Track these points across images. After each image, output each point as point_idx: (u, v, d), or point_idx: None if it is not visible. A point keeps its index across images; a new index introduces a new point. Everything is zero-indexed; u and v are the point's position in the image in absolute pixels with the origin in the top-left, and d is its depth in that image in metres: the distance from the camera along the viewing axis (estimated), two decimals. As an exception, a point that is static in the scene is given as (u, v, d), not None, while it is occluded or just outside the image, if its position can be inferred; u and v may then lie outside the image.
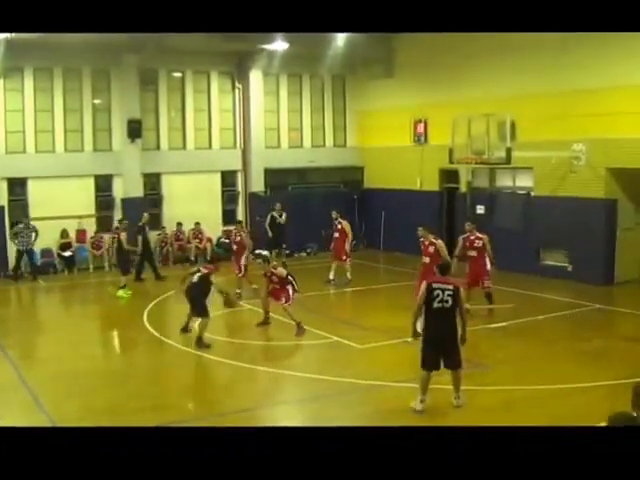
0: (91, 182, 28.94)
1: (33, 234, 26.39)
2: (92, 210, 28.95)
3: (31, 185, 27.90)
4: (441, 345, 12.48)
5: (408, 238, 23.04)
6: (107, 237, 27.97)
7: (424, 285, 12.53)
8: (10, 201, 27.71)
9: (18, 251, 26.20)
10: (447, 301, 12.26)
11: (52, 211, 27.22)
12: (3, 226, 27.04)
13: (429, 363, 12.48)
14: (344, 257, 24.52)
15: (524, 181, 26.15)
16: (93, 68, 28.78)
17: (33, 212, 27.27)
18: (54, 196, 27.59)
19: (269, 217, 28.28)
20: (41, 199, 27.62)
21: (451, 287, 12.33)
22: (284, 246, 28.61)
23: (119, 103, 29.02)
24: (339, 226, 24.70)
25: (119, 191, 29.30)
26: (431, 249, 18.85)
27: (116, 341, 19.53)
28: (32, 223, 26.54)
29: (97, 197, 29.12)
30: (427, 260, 18.70)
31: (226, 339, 18.16)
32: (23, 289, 25.87)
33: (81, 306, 23.98)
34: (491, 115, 23.67)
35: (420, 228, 19.50)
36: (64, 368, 15.50)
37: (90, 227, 28.66)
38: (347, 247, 24.66)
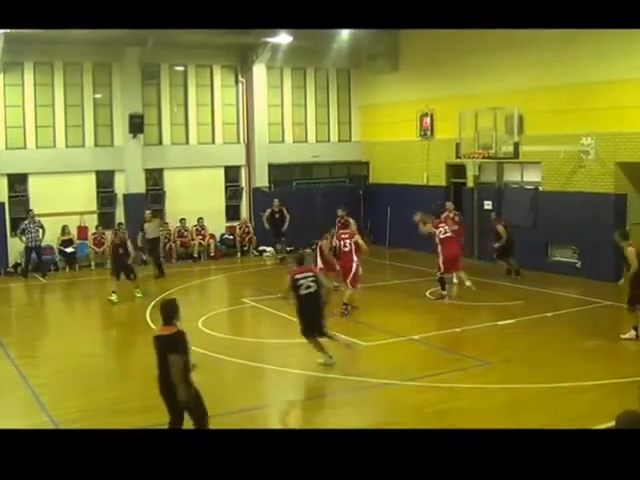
0: (92, 178, 28.64)
1: (40, 230, 26.15)
2: (93, 206, 28.65)
3: (32, 181, 27.62)
4: (313, 322, 14.62)
5: (414, 234, 22.69)
6: (108, 234, 27.57)
7: (289, 277, 14.74)
8: (10, 197, 27.43)
9: (27, 248, 25.91)
10: (310, 286, 14.46)
11: (53, 207, 26.94)
12: (4, 223, 26.68)
13: (307, 332, 14.71)
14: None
15: (532, 176, 25.73)
16: (94, 62, 28.48)
17: (34, 208, 26.83)
18: (55, 192, 27.35)
19: (268, 212, 28.29)
20: (42, 195, 27.36)
21: (311, 274, 14.75)
22: (283, 239, 28.46)
23: (121, 98, 28.70)
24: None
25: (121, 187, 28.99)
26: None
27: (118, 339, 19.24)
28: (37, 219, 26.21)
29: (99, 193, 28.81)
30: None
31: (229, 336, 17.86)
32: (24, 287, 25.55)
33: (83, 303, 23.77)
34: (498, 109, 23.35)
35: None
36: (65, 366, 15.35)
37: (91, 223, 28.31)
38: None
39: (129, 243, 22.36)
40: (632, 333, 15.81)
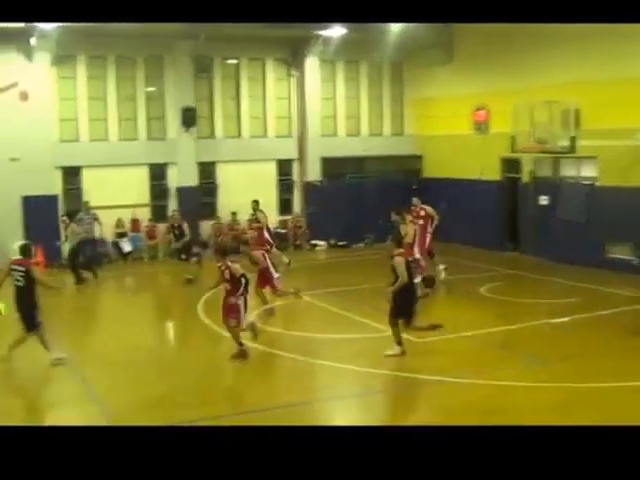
0: (145, 171, 28.80)
1: (95, 222, 26.39)
2: (146, 199, 28.78)
3: (85, 174, 27.82)
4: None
5: (468, 229, 22.44)
6: (162, 226, 27.73)
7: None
8: (65, 190, 27.65)
9: (81, 240, 26.09)
10: (19, 280, 14.43)
11: (106, 200, 27.08)
12: (57, 215, 26.91)
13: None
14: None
15: (588, 171, 25.22)
16: (147, 56, 28.59)
17: (88, 201, 27.01)
18: (108, 185, 27.51)
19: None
20: (95, 188, 27.53)
21: (22, 268, 14.49)
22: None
23: (173, 91, 28.78)
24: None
25: (173, 180, 29.05)
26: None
27: (170, 332, 19.29)
28: (92, 211, 26.43)
29: (152, 186, 28.99)
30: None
31: (281, 331, 17.77)
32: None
33: (135, 295, 23.85)
34: (554, 102, 23.00)
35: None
36: (117, 358, 15.38)
37: (144, 216, 28.45)
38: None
39: (185, 226, 23.81)
40: (397, 349, 14.93)
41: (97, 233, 26.66)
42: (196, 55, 28.77)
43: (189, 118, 28.53)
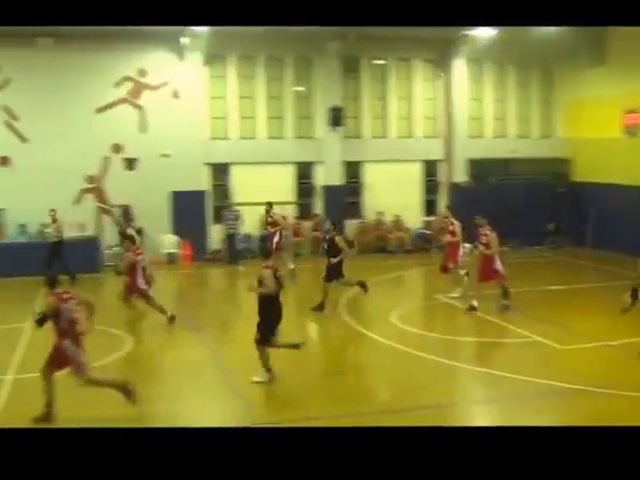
0: (292, 169, 29.19)
1: (239, 218, 26.97)
2: (292, 197, 29.11)
3: (233, 171, 28.40)
4: None
5: (621, 236, 21.68)
6: (307, 224, 28.08)
7: None
8: (213, 186, 28.34)
9: (227, 235, 26.70)
10: None
11: (252, 197, 27.41)
12: (205, 210, 27.58)
13: None
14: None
15: None
16: (296, 56, 28.95)
17: (234, 198, 27.72)
18: (255, 182, 27.93)
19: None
20: (242, 185, 28.12)
21: None
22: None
23: (321, 91, 29.09)
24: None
25: (319, 178, 29.31)
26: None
27: (312, 329, 19.37)
28: (236, 208, 27.00)
29: (299, 184, 29.39)
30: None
31: (424, 332, 17.66)
32: (222, 273, 26.29)
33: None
34: None
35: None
36: (256, 354, 15.40)
37: (289, 214, 28.73)
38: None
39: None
40: (265, 375, 13.47)
41: (241, 229, 27.14)
42: (344, 55, 28.96)
43: (336, 118, 28.74)
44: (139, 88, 27.25)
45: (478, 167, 31.19)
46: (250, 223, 27.48)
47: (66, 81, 26.41)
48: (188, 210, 27.09)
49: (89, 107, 26.68)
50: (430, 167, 31.19)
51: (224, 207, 27.43)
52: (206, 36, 26.01)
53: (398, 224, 29.61)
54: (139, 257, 18.00)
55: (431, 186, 31.19)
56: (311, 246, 28.66)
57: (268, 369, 13.36)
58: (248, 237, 28.06)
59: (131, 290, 17.83)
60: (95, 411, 11.37)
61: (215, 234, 27.80)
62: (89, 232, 26.35)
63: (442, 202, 30.96)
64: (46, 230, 25.00)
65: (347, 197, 29.56)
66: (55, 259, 22.97)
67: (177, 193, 27.23)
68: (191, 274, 26.58)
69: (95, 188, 27.12)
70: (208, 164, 28.14)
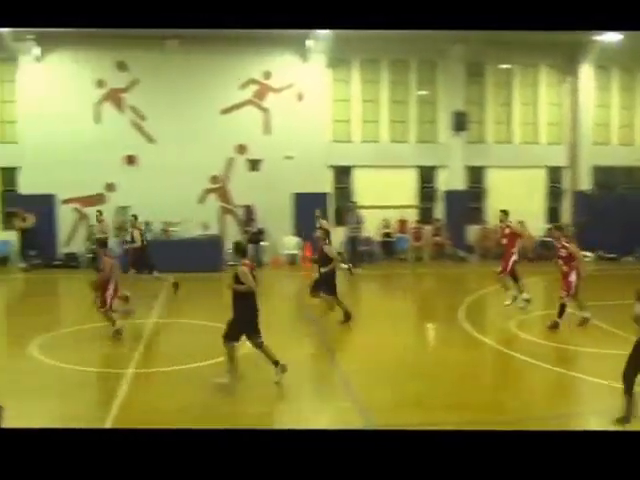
0: (414, 173, 29.10)
1: (362, 222, 27.03)
2: (413, 201, 28.96)
3: (355, 174, 28.44)
4: None
5: None
6: (428, 228, 27.94)
7: None
8: (335, 189, 28.49)
9: (349, 238, 26.75)
10: None
11: (374, 200, 27.41)
12: (326, 213, 27.67)
13: None
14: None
15: None
16: (420, 60, 28.91)
17: (356, 200, 27.70)
18: (377, 185, 27.97)
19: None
20: (364, 188, 28.16)
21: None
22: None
23: (444, 95, 29.04)
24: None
25: (442, 183, 29.13)
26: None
27: (428, 334, 19.02)
28: (357, 210, 26.97)
29: (421, 188, 29.31)
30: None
31: (541, 341, 17.13)
32: (341, 275, 26.18)
33: (397, 295, 23.83)
34: None
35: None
36: (375, 357, 14.99)
37: (410, 218, 28.63)
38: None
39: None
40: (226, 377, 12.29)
41: (362, 232, 27.11)
42: (469, 60, 28.83)
43: (460, 122, 28.62)
44: (264, 90, 27.65)
45: (603, 174, 30.53)
46: (369, 227, 27.56)
47: (192, 82, 27.03)
48: (310, 212, 27.14)
49: (214, 108, 27.21)
50: (554, 174, 30.68)
51: (346, 210, 27.41)
52: (330, 39, 26.24)
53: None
54: None
55: (555, 193, 30.62)
56: (432, 251, 28.43)
57: (231, 370, 12.32)
58: (369, 240, 27.98)
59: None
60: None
61: (336, 236, 27.73)
62: (212, 231, 26.73)
63: (565, 210, 30.41)
64: (170, 229, 25.63)
65: (469, 202, 29.26)
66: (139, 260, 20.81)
67: (299, 195, 27.40)
68: (311, 276, 26.51)
69: (219, 188, 27.58)
70: (330, 166, 28.29)
